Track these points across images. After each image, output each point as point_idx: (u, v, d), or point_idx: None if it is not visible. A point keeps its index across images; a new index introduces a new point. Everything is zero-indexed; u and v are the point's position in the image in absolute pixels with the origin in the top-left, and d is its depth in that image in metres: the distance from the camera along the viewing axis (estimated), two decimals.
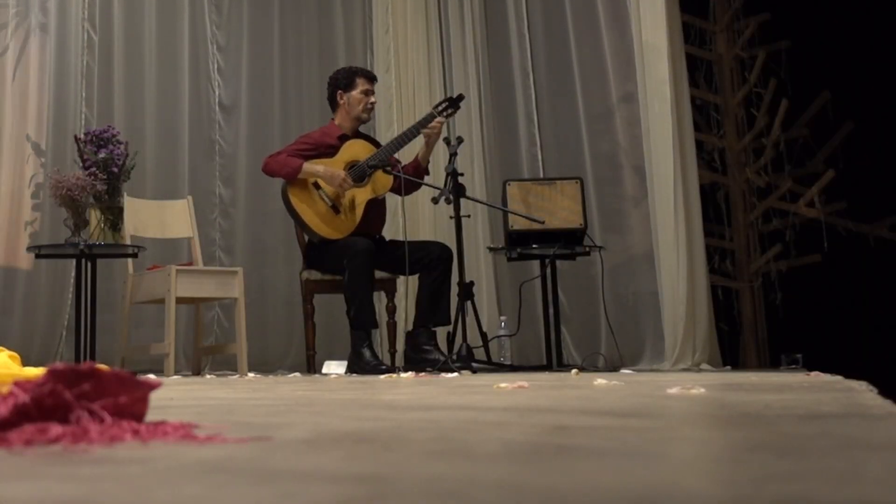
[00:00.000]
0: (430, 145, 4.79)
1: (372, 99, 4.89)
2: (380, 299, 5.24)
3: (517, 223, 4.90)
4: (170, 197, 5.34)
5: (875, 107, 5.28)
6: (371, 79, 4.93)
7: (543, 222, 4.77)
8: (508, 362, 4.99)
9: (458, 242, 4.57)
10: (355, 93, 4.83)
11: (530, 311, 5.39)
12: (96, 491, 0.56)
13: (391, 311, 4.99)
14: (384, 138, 5.54)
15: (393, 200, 5.22)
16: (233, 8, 6.20)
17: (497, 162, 6.17)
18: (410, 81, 6.20)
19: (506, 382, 2.14)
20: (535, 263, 5.27)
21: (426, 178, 4.91)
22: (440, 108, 4.87)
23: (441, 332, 4.68)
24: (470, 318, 4.52)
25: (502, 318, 5.31)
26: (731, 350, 5.43)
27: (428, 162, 4.87)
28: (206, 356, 5.31)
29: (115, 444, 0.75)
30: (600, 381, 2.34)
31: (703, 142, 5.75)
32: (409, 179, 4.73)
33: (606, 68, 5.80)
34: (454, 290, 4.62)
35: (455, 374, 3.86)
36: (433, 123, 4.74)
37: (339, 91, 4.86)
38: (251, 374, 4.42)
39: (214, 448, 0.77)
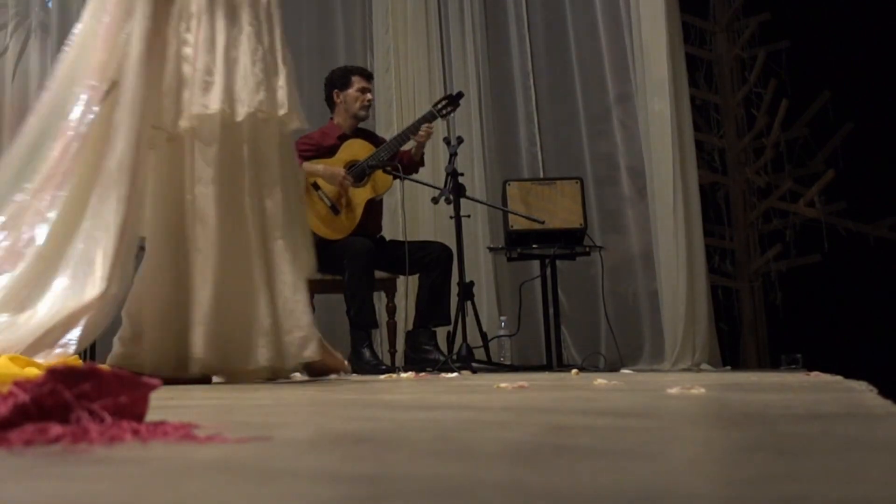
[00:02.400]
0: (419, 146, 4.81)
1: (369, 96, 4.89)
2: (380, 299, 5.24)
3: (517, 223, 4.90)
4: None
5: (875, 107, 5.28)
6: (366, 76, 4.94)
7: (543, 222, 4.77)
8: (508, 362, 4.99)
9: (458, 242, 4.57)
10: (351, 91, 4.83)
11: (530, 311, 5.39)
12: (96, 491, 0.56)
13: (391, 311, 4.99)
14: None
15: (393, 200, 5.22)
16: None
17: (497, 162, 6.17)
18: (410, 81, 6.20)
19: (506, 382, 2.14)
20: (535, 263, 5.27)
21: (425, 178, 4.92)
22: (440, 106, 4.87)
23: (441, 332, 4.68)
24: (470, 318, 4.52)
25: (502, 318, 5.31)
26: (731, 350, 5.43)
27: (421, 155, 4.87)
28: None
29: (115, 444, 0.75)
30: (600, 381, 2.34)
31: (703, 142, 5.75)
32: (409, 179, 4.74)
33: (606, 68, 5.80)
34: (454, 290, 4.62)
35: (455, 374, 3.86)
36: (422, 132, 4.74)
37: (336, 90, 4.87)
38: None
39: (214, 448, 0.77)
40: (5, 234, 2.43)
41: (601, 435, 0.94)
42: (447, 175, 4.60)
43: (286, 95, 2.54)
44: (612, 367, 4.90)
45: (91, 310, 2.32)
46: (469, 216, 4.80)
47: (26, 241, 2.41)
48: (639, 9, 5.27)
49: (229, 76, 2.53)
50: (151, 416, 0.87)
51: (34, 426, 0.76)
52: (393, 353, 5.06)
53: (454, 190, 4.55)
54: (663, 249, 5.09)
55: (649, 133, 5.20)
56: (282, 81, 2.55)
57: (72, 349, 2.30)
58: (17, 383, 0.80)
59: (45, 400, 0.78)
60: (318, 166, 4.67)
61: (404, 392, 2.05)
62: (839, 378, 2.53)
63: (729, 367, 4.93)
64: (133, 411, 0.83)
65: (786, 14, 5.68)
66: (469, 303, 4.56)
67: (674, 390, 1.73)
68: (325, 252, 4.71)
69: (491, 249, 5.38)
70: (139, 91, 2.46)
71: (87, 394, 0.80)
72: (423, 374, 3.86)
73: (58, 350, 2.25)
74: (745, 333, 5.67)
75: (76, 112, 2.49)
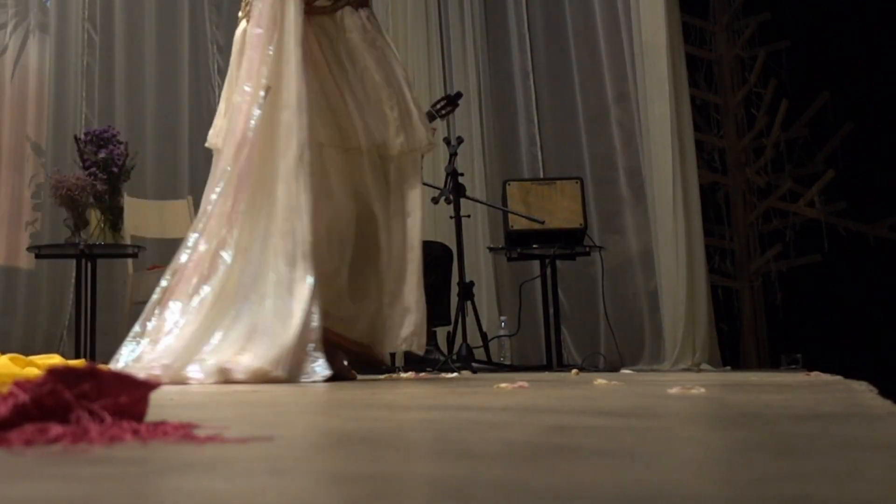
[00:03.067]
0: None
1: None
2: None
3: (517, 223, 4.90)
4: (170, 197, 5.34)
5: (875, 107, 5.28)
6: None
7: (543, 222, 4.77)
8: (508, 362, 4.98)
9: (458, 242, 4.57)
10: None
11: (530, 311, 5.38)
12: (96, 491, 0.56)
13: None
14: None
15: None
16: (233, 8, 6.18)
17: (497, 162, 6.17)
18: (411, 81, 6.19)
19: (506, 382, 2.14)
20: (535, 263, 5.27)
21: (426, 178, 4.90)
22: (438, 106, 4.86)
23: (441, 332, 4.67)
24: (470, 318, 4.52)
25: (502, 318, 5.31)
26: (731, 350, 5.42)
27: None
28: None
29: (115, 444, 0.75)
30: (600, 381, 2.34)
31: (703, 142, 5.75)
32: None
33: (606, 68, 5.80)
34: (454, 290, 4.62)
35: (455, 374, 3.86)
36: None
37: None
38: None
39: (214, 448, 0.77)
40: (204, 238, 2.64)
41: (601, 435, 0.94)
42: (447, 175, 4.60)
43: (416, 130, 3.04)
44: (612, 367, 4.90)
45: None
46: (469, 216, 4.80)
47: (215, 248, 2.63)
48: (639, 9, 5.27)
49: (370, 113, 2.97)
50: (151, 416, 0.86)
51: (34, 426, 0.76)
52: (393, 353, 5.06)
53: (454, 190, 4.55)
54: (663, 249, 5.09)
55: (649, 133, 5.20)
56: (415, 119, 3.07)
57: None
58: (17, 383, 0.80)
59: (45, 400, 0.78)
60: None
61: (404, 392, 2.05)
62: (839, 378, 2.53)
63: (729, 367, 4.93)
64: (133, 411, 0.83)
65: (786, 14, 5.68)
66: (469, 303, 4.56)
67: (674, 390, 1.73)
68: None
69: (491, 249, 5.38)
70: (303, 91, 2.69)
71: (87, 394, 0.80)
72: (423, 374, 3.86)
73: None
74: (745, 333, 5.67)
75: (238, 117, 2.73)
